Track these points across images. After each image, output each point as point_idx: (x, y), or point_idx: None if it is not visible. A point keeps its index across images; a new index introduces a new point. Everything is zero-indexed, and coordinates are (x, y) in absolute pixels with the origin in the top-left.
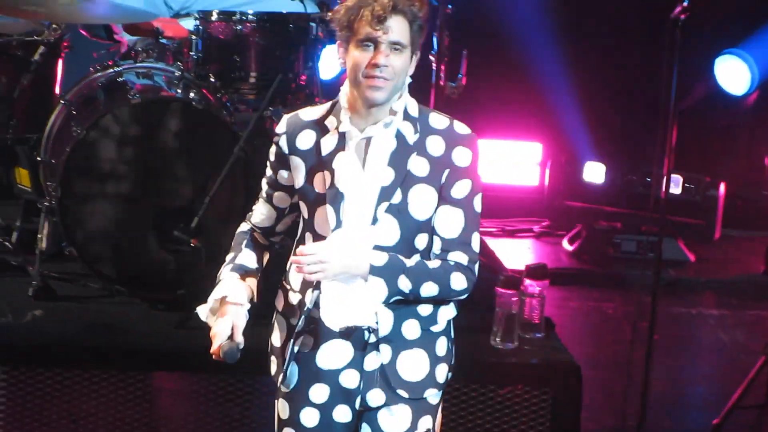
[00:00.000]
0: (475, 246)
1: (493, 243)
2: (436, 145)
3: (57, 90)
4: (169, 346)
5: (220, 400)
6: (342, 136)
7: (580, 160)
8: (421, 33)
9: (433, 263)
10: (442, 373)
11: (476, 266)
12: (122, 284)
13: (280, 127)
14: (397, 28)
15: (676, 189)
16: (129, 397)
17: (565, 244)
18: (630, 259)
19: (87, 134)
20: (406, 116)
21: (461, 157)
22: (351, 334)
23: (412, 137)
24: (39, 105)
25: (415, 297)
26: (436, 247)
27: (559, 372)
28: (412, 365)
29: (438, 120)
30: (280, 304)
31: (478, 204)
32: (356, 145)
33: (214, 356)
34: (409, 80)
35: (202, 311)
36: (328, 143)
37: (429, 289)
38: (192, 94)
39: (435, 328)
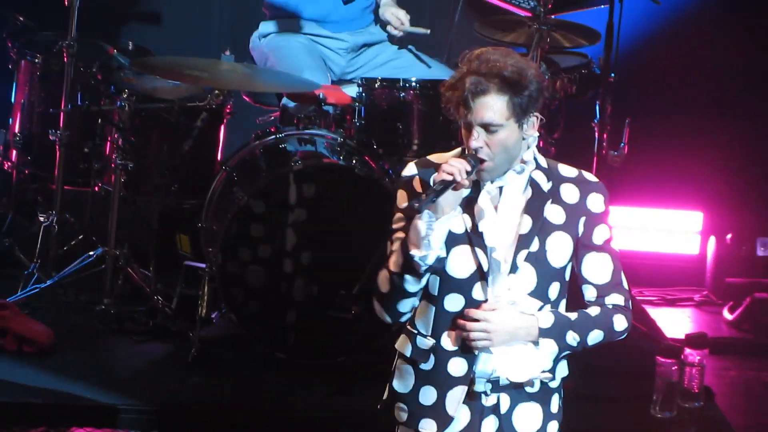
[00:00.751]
0: (626, 284)
1: (653, 312)
2: (570, 193)
3: (219, 156)
4: (329, 412)
5: None
6: (476, 183)
7: (744, 235)
8: (532, 101)
9: (594, 310)
10: (554, 430)
11: (630, 303)
12: (282, 350)
13: (410, 170)
14: (489, 106)
15: None
16: None
17: (725, 314)
18: None
19: (249, 201)
20: (537, 166)
21: (596, 203)
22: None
23: (545, 185)
24: (200, 171)
25: (582, 347)
26: (590, 295)
27: None
28: (529, 418)
29: (567, 170)
30: (406, 349)
31: (616, 246)
32: (490, 190)
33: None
34: (536, 135)
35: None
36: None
37: (595, 336)
38: (354, 161)
39: (552, 384)
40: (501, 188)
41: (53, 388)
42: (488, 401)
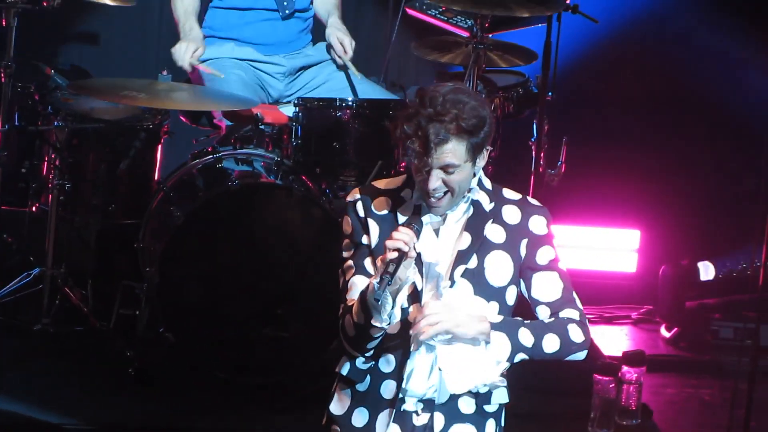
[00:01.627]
0: (579, 303)
1: (590, 329)
2: (512, 214)
3: (156, 176)
4: (269, 431)
5: None
6: (419, 208)
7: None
8: (487, 138)
9: (548, 319)
10: None
11: (586, 320)
12: (220, 369)
13: (353, 195)
14: (450, 151)
15: None
16: None
17: (663, 331)
18: (728, 345)
19: (186, 220)
20: (481, 187)
21: (538, 225)
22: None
23: (488, 205)
24: (138, 191)
25: (538, 355)
26: (544, 314)
27: None
28: None
29: (511, 193)
30: (344, 368)
31: (564, 267)
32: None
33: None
34: (482, 164)
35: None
36: (404, 212)
37: (551, 342)
38: (291, 181)
39: (488, 408)
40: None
41: None
42: (419, 420)
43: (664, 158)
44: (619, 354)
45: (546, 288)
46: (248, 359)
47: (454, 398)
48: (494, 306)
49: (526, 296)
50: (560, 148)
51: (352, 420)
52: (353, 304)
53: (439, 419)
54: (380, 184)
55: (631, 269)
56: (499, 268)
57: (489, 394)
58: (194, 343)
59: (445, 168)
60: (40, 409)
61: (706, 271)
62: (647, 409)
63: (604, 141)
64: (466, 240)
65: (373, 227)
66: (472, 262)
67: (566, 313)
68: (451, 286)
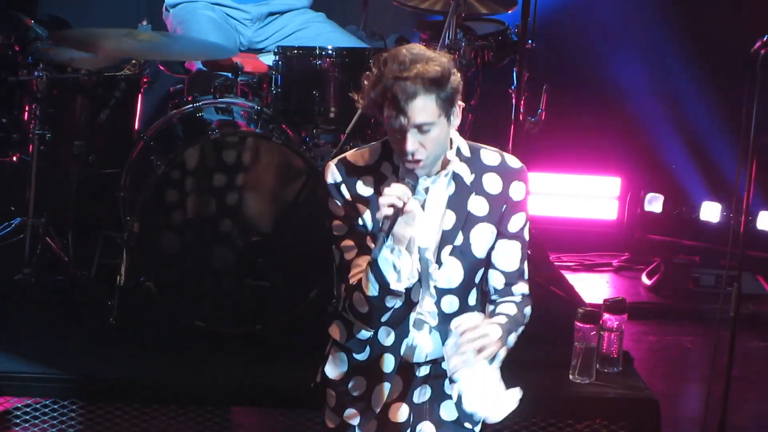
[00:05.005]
0: (527, 273)
1: (571, 277)
2: (492, 183)
3: (136, 126)
4: (247, 381)
5: None
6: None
7: (682, 197)
8: (456, 92)
9: (509, 308)
10: None
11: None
12: (200, 319)
13: (335, 176)
14: (421, 108)
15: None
16: None
17: (644, 279)
18: (709, 293)
19: (166, 169)
20: (461, 157)
21: (517, 191)
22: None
23: (468, 177)
24: (118, 141)
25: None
26: (498, 282)
27: (638, 406)
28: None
29: (490, 156)
30: (339, 335)
31: (527, 233)
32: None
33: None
34: (457, 122)
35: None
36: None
37: (515, 336)
38: (271, 130)
39: None
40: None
41: None
42: (422, 371)
43: (644, 103)
44: (600, 302)
45: (507, 257)
46: (228, 309)
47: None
48: (480, 273)
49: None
50: (540, 96)
51: (349, 388)
52: (360, 280)
53: (455, 388)
54: (355, 158)
55: (612, 217)
56: (483, 240)
57: None
58: (174, 293)
59: (420, 127)
60: (19, 359)
61: (651, 202)
62: (628, 356)
63: (584, 88)
64: (450, 218)
65: (363, 210)
66: (458, 240)
67: (519, 288)
68: (439, 268)
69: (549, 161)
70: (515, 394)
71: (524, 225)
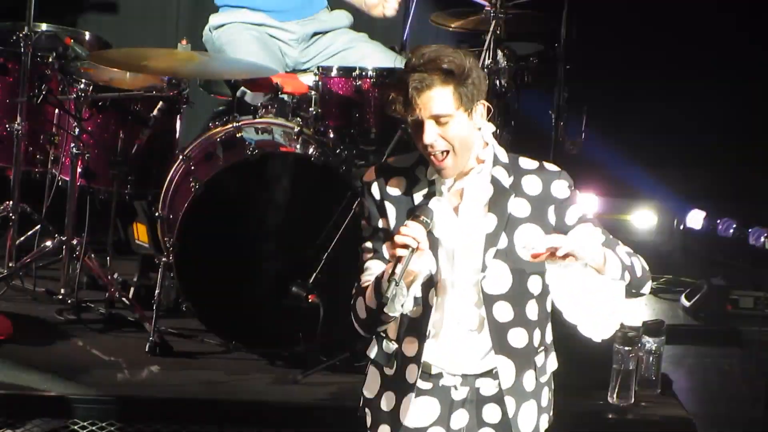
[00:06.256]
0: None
1: None
2: (532, 185)
3: (175, 145)
4: (288, 401)
5: None
6: (433, 184)
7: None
8: (476, 89)
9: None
10: (545, 423)
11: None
12: (239, 340)
13: (369, 175)
14: (436, 98)
15: None
16: None
17: (683, 301)
18: (748, 315)
19: (205, 190)
20: (497, 161)
21: (560, 190)
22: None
23: (507, 180)
24: (157, 160)
25: (633, 276)
26: None
27: (676, 429)
28: (528, 416)
29: (528, 162)
30: (372, 351)
31: (595, 220)
32: (450, 193)
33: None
34: (488, 126)
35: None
36: (419, 191)
37: (637, 263)
38: (311, 150)
39: (543, 379)
40: (462, 190)
41: (10, 378)
42: (458, 395)
43: (688, 123)
44: (639, 324)
45: (586, 237)
46: (266, 329)
47: (519, 378)
48: (536, 279)
49: None
50: (581, 117)
51: (381, 404)
52: (367, 287)
53: (510, 403)
54: (394, 161)
55: (651, 238)
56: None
57: (545, 365)
58: (212, 313)
59: (436, 118)
60: (58, 379)
61: (694, 219)
62: (667, 379)
63: (625, 109)
64: (492, 221)
65: (390, 209)
66: (502, 242)
67: (620, 249)
68: (483, 270)
69: (589, 183)
70: (635, 314)
71: (584, 214)
